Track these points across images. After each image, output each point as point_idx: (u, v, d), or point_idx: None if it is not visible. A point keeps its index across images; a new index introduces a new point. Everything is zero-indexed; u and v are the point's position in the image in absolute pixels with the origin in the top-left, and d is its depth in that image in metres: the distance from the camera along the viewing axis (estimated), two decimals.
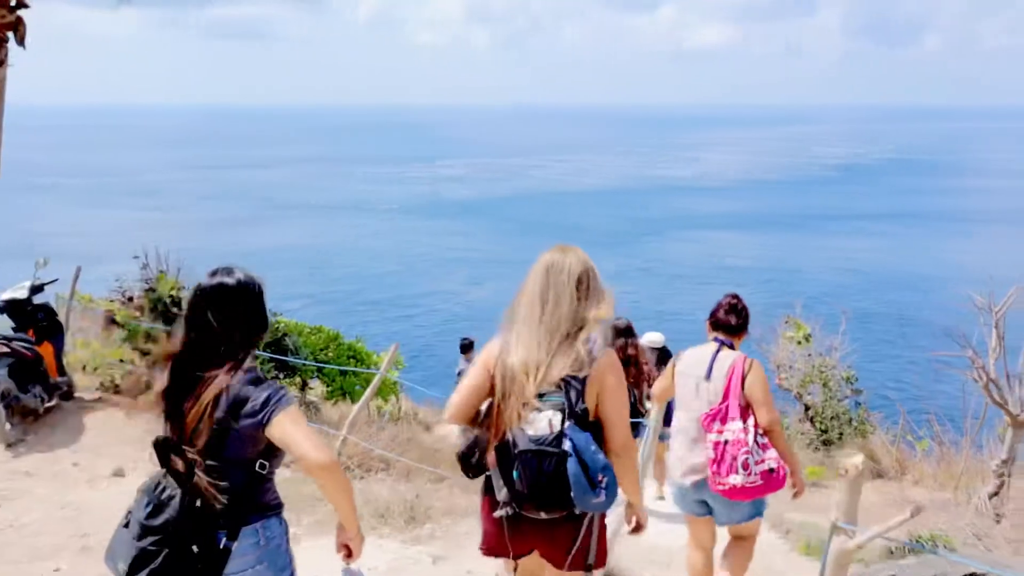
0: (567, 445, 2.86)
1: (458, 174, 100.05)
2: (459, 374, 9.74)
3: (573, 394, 2.94)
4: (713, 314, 4.67)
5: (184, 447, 2.70)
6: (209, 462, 2.70)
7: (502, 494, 3.03)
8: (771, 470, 4.26)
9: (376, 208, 70.18)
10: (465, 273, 44.71)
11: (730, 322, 4.60)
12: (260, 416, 2.69)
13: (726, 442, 4.27)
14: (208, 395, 2.71)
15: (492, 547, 3.25)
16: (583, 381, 2.97)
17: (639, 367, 7.15)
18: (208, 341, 2.78)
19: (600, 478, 2.86)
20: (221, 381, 2.72)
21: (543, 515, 2.97)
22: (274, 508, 2.88)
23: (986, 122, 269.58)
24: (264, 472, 2.79)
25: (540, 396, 2.95)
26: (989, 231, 57.24)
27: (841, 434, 11.03)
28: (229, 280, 2.83)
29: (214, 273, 2.86)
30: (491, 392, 3.14)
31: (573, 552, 3.08)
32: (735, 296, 4.71)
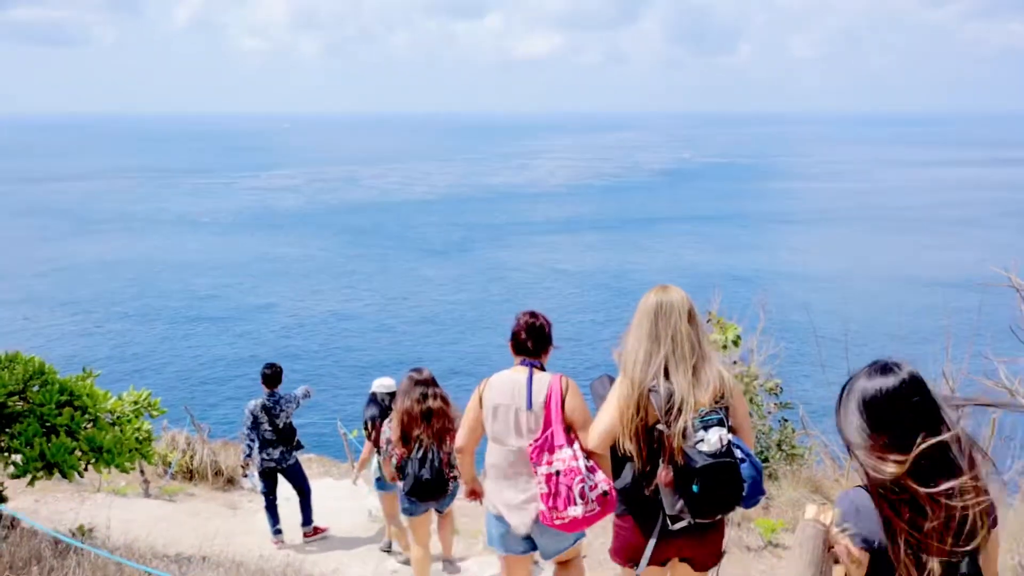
0: (738, 453, 3.45)
1: (289, 184, 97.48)
2: (254, 415, 7.83)
3: (724, 413, 3.49)
4: (514, 336, 4.36)
5: None
6: None
7: (677, 507, 3.50)
8: (604, 493, 3.93)
9: (200, 220, 67.49)
10: (303, 284, 43.66)
11: (528, 345, 4.33)
12: None
13: (558, 472, 3.96)
14: None
15: (631, 556, 3.76)
16: (726, 400, 3.56)
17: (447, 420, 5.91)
18: None
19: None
20: None
21: (717, 518, 3.56)
22: None
23: (794, 126, 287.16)
24: None
25: (701, 419, 3.45)
26: (815, 231, 60.27)
27: (766, 458, 8.80)
28: None
29: None
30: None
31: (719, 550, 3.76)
32: (532, 314, 4.41)
